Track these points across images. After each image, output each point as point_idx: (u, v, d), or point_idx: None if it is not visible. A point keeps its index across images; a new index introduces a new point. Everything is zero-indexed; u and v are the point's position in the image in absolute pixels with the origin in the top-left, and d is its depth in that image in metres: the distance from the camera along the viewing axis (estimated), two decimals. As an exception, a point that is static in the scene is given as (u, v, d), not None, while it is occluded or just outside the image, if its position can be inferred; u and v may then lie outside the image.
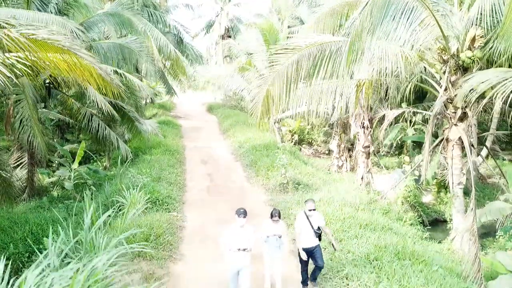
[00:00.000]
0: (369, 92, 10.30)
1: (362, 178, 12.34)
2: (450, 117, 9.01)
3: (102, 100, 8.85)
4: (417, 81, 10.76)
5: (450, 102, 8.96)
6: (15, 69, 5.24)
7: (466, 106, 8.79)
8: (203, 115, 28.65)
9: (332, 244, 6.53)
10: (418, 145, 15.94)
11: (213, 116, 27.11)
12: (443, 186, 13.13)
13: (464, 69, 8.58)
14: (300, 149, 20.28)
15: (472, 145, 8.99)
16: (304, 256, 6.21)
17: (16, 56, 5.31)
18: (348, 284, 6.36)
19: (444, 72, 8.82)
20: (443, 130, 9.34)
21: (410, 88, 10.02)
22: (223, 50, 29.26)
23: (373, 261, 6.91)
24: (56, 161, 12.68)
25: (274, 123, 17.22)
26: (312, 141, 22.09)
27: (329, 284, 6.48)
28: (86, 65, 5.81)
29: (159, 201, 9.79)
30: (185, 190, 11.61)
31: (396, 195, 12.07)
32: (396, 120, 16.35)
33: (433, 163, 12.69)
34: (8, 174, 8.17)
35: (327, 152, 21.17)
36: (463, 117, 8.87)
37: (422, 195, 12.87)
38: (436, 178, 12.91)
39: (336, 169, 15.62)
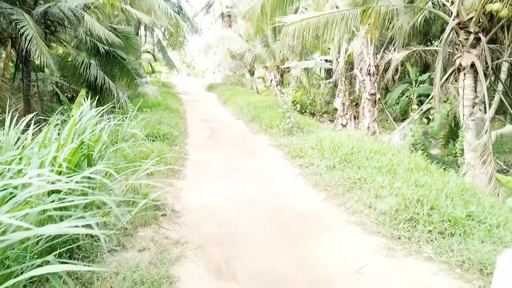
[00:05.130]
0: (374, 32, 10.00)
1: (368, 127, 12.01)
2: (462, 44, 8.71)
3: (100, 28, 8.45)
4: (424, 19, 10.46)
5: (461, 28, 8.64)
6: None
7: (478, 31, 8.49)
8: (203, 93, 28.38)
9: None
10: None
11: (213, 93, 26.81)
12: (451, 137, 12.83)
13: (477, -11, 8.25)
14: (303, 119, 20.04)
15: (485, 74, 8.66)
16: None
17: None
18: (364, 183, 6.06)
19: (456, -4, 8.51)
20: (455, 60, 9.03)
21: (420, 22, 9.70)
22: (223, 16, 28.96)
23: (386, 172, 6.60)
24: (56, 110, 12.30)
25: (276, 85, 16.88)
26: (315, 112, 21.81)
27: (341, 188, 6.16)
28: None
29: (160, 136, 9.45)
30: (186, 136, 11.28)
31: (402, 145, 11.76)
32: (403, 70, 16.07)
33: (442, 113, 12.40)
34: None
35: (329, 122, 20.92)
36: (476, 44, 8.57)
37: (431, 146, 12.55)
38: (444, 130, 12.62)
39: (340, 128, 15.27)
